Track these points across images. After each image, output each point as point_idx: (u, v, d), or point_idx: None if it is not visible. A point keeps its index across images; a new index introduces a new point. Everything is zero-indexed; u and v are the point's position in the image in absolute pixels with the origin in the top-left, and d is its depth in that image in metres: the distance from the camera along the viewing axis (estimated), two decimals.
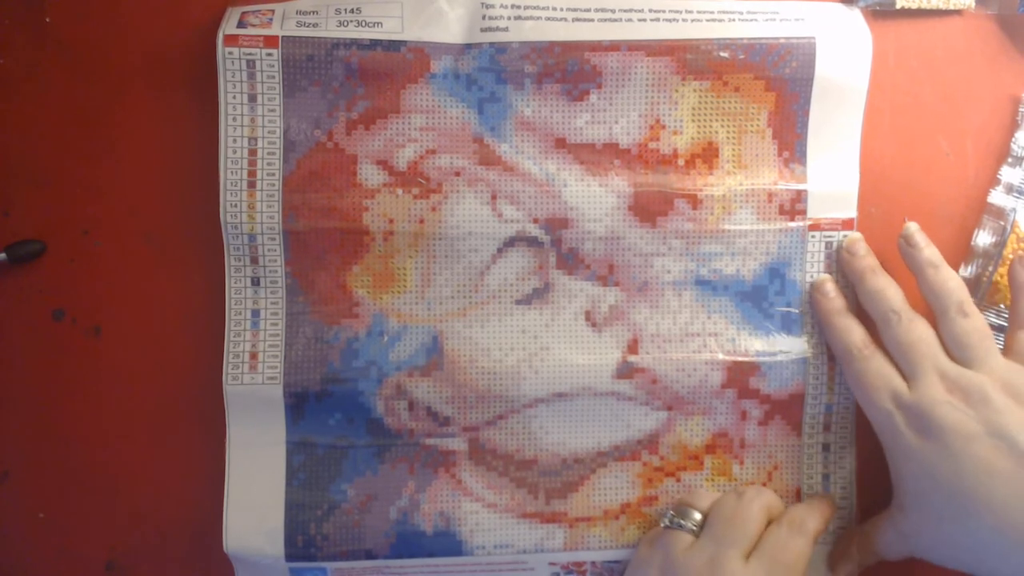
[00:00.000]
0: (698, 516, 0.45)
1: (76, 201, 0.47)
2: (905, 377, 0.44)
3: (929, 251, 0.45)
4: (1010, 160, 0.49)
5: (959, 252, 0.49)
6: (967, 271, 0.49)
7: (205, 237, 0.46)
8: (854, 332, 0.45)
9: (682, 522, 0.45)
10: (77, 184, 0.47)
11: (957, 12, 0.48)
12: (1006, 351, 0.44)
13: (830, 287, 0.47)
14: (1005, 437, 0.41)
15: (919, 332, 0.44)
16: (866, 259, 0.46)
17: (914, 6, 0.48)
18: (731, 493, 0.45)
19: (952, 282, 0.44)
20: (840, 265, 0.47)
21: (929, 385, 0.42)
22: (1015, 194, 0.48)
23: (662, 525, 0.45)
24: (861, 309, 0.47)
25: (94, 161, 0.47)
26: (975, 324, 0.43)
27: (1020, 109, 0.49)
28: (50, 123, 0.47)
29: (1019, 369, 0.43)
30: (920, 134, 0.49)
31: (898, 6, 0.48)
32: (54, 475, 0.48)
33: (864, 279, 0.46)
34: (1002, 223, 0.48)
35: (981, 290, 0.48)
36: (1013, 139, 0.49)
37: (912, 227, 0.46)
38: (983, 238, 0.48)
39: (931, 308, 0.45)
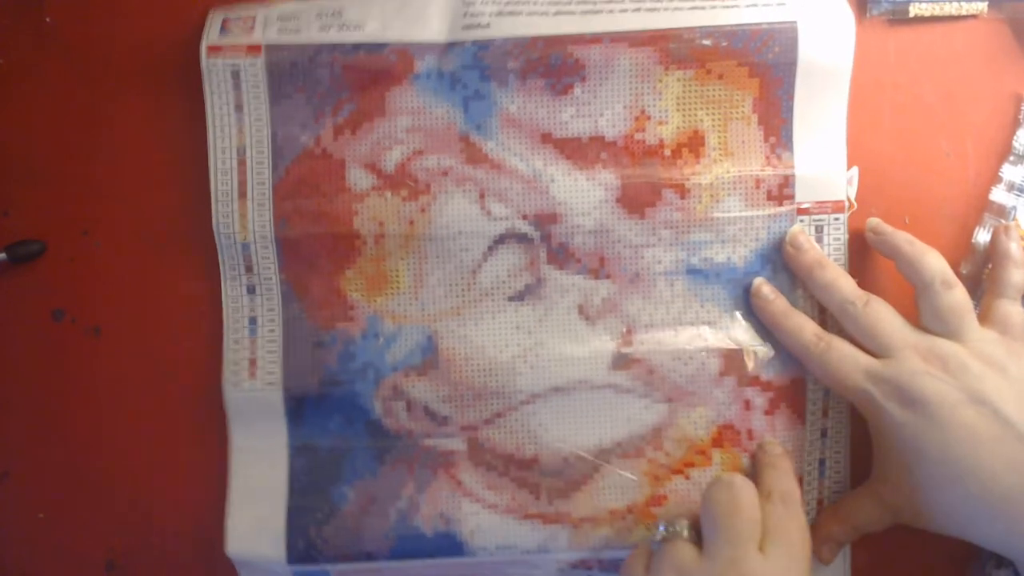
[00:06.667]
0: (686, 521, 0.42)
1: (76, 201, 0.48)
2: (875, 356, 0.43)
3: (900, 233, 0.45)
4: (1012, 158, 0.48)
5: (960, 250, 0.48)
6: (967, 269, 0.48)
7: (203, 238, 0.47)
8: (806, 329, 0.45)
9: (677, 530, 0.42)
10: (77, 184, 0.48)
11: (973, 17, 0.48)
12: (982, 319, 0.44)
13: (767, 290, 0.46)
14: (987, 403, 0.41)
15: (879, 311, 0.44)
16: (811, 252, 0.46)
17: (927, 14, 0.48)
18: (716, 487, 0.41)
19: (931, 255, 0.44)
20: (785, 260, 0.47)
21: (905, 358, 0.42)
22: (1016, 192, 0.48)
23: (657, 539, 0.42)
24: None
25: (94, 161, 0.48)
26: (958, 297, 0.43)
27: (1022, 107, 0.48)
28: (50, 123, 0.48)
29: (994, 338, 0.43)
30: (920, 134, 0.48)
31: (911, 14, 0.48)
32: (54, 475, 0.48)
33: (812, 274, 0.46)
34: (1003, 221, 0.47)
35: (981, 288, 0.47)
36: (1015, 137, 0.48)
37: (874, 220, 0.47)
38: (984, 236, 0.48)
39: (912, 283, 0.44)
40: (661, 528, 0.42)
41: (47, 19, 0.48)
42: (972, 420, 0.41)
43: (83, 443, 0.48)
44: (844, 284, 0.45)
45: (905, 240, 0.45)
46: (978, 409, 0.41)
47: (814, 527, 0.47)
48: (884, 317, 0.44)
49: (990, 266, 0.46)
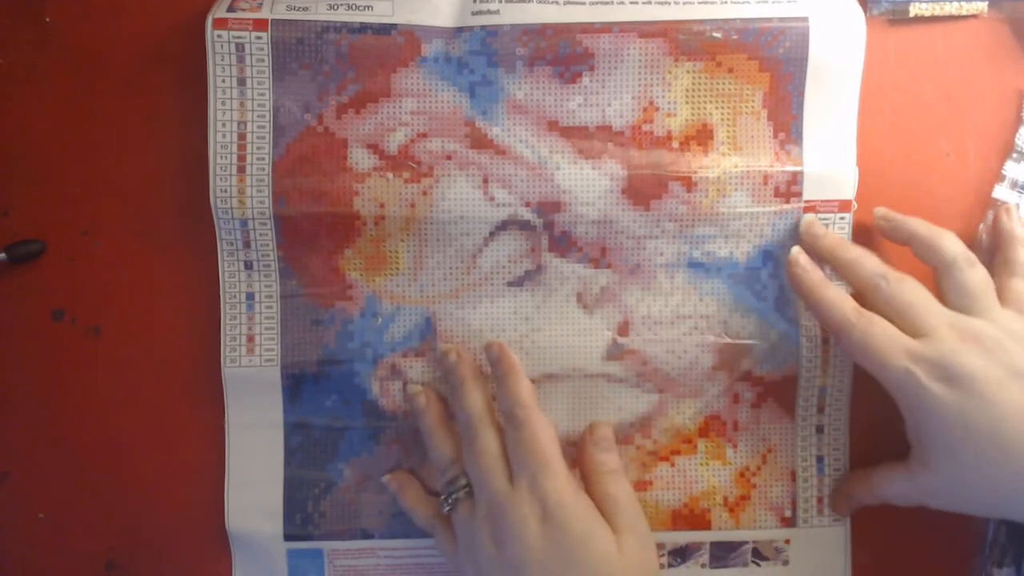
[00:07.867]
0: (464, 481, 0.44)
1: (76, 201, 0.47)
2: (910, 334, 0.42)
3: (913, 218, 0.46)
4: (1014, 155, 0.48)
5: None
6: None
7: (203, 232, 0.46)
8: (846, 303, 0.44)
9: (460, 496, 0.44)
10: (77, 184, 0.47)
11: (973, 17, 0.48)
12: (1000, 301, 0.44)
13: (805, 259, 0.46)
14: None
15: (914, 289, 0.43)
16: (829, 236, 0.46)
17: (927, 14, 0.47)
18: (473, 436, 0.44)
19: (947, 236, 0.44)
20: (806, 249, 0.46)
21: (943, 337, 0.42)
22: (1019, 189, 0.48)
23: (444, 510, 0.45)
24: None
25: (94, 161, 0.47)
26: (980, 274, 0.43)
27: None
28: (50, 123, 0.47)
29: (1016, 316, 0.43)
30: (920, 134, 0.48)
31: (912, 14, 0.47)
32: (54, 475, 0.48)
33: (836, 253, 0.45)
34: None
35: None
36: (1017, 134, 0.48)
37: (882, 209, 0.47)
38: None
39: (933, 265, 0.44)
40: (448, 497, 0.44)
41: (47, 19, 0.47)
42: (1017, 394, 0.41)
43: (83, 443, 0.48)
44: (870, 260, 0.45)
45: (920, 223, 0.45)
46: (1021, 383, 0.41)
47: (840, 485, 0.48)
48: (920, 294, 0.43)
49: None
